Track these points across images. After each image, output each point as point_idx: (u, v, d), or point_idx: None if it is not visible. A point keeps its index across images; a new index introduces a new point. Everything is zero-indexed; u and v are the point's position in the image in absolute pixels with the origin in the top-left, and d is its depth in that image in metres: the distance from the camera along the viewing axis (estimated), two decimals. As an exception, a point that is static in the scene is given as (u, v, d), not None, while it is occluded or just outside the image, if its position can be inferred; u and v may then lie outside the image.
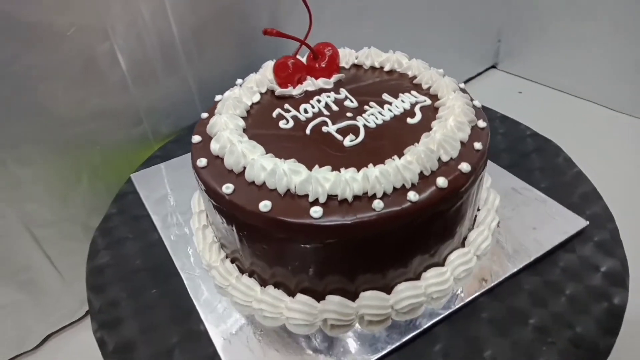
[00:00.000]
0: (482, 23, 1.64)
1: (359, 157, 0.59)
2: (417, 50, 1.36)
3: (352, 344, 0.60)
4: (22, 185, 0.84)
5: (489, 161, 0.83)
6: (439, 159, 0.58)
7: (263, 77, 0.75)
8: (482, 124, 0.64)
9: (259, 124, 0.68)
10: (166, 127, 0.96)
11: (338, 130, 0.64)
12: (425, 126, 0.63)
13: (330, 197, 0.54)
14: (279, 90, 0.73)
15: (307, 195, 0.55)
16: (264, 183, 0.57)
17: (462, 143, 0.61)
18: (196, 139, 0.66)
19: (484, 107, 0.98)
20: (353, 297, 0.60)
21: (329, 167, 0.57)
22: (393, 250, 0.58)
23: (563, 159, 0.86)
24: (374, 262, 0.59)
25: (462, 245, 0.67)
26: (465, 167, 0.57)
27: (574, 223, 0.72)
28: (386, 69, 0.77)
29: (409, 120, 0.65)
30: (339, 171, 0.56)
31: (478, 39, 1.68)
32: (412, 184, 0.55)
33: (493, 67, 1.84)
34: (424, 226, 0.57)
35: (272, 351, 0.60)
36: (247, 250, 0.61)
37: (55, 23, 0.77)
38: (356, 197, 0.54)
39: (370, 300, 0.60)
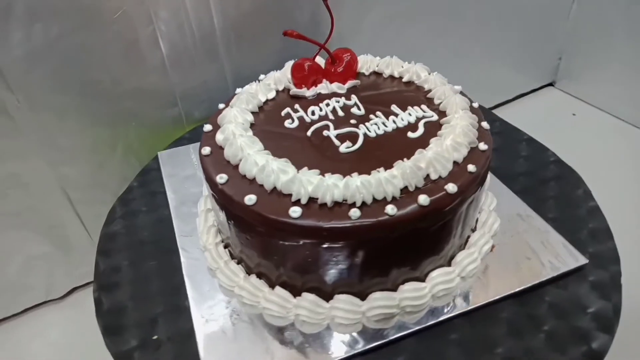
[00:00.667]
0: (543, 38, 1.58)
1: (350, 164, 0.61)
2: (473, 59, 1.34)
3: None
4: (63, 151, 0.93)
5: (501, 183, 0.83)
6: (427, 177, 0.59)
7: (283, 76, 0.78)
8: (483, 146, 0.64)
9: (268, 120, 0.71)
10: (199, 111, 1.01)
11: (338, 136, 0.66)
12: (424, 141, 0.63)
13: (313, 200, 0.57)
14: (293, 90, 0.75)
15: (290, 195, 0.57)
16: (255, 178, 0.60)
17: (455, 163, 0.61)
18: (207, 127, 0.70)
19: (515, 128, 0.98)
20: (328, 297, 0.62)
21: (317, 171, 0.59)
22: (369, 259, 0.59)
23: (583, 192, 0.82)
24: (350, 268, 0.59)
25: (449, 264, 0.67)
26: (451, 187, 0.57)
27: (572, 259, 0.70)
28: (404, 79, 0.78)
29: (410, 134, 0.65)
30: (324, 176, 0.58)
31: (538, 54, 1.61)
32: (393, 198, 0.56)
33: (550, 84, 1.76)
34: (402, 240, 0.58)
35: (243, 335, 0.63)
36: (234, 238, 0.64)
37: (105, 6, 0.84)
38: (337, 203, 0.56)
39: (344, 304, 0.61)
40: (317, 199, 0.57)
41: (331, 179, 0.57)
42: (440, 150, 0.60)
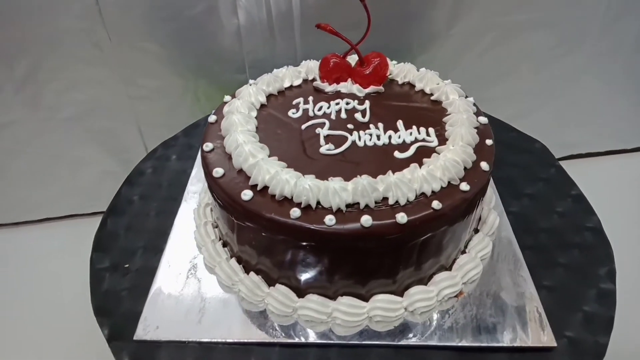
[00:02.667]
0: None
1: (321, 166, 0.62)
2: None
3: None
4: (141, 88, 1.07)
5: (512, 233, 0.76)
6: (384, 199, 0.58)
7: (316, 66, 0.80)
8: (464, 186, 0.60)
9: (278, 105, 0.75)
10: None
11: (327, 136, 0.67)
12: (404, 165, 0.61)
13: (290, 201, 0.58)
14: (316, 82, 0.77)
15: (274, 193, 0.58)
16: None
17: (420, 195, 0.58)
18: (212, 118, 0.73)
19: (567, 179, 0.87)
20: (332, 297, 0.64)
21: (290, 169, 0.60)
22: (337, 264, 0.60)
23: (607, 271, 0.71)
24: (342, 270, 0.61)
25: (427, 281, 0.66)
26: (400, 217, 0.55)
27: (539, 337, 0.63)
28: (433, 97, 0.75)
29: (397, 154, 0.64)
30: (302, 174, 0.59)
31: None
32: (367, 206, 0.56)
33: None
34: (374, 252, 0.58)
35: (190, 289, 0.68)
36: (231, 234, 0.67)
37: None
38: (309, 207, 0.57)
39: (346, 307, 0.62)
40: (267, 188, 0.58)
41: (307, 180, 0.57)
42: (408, 178, 0.58)
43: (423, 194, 0.58)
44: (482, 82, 1.17)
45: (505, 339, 0.62)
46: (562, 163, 0.91)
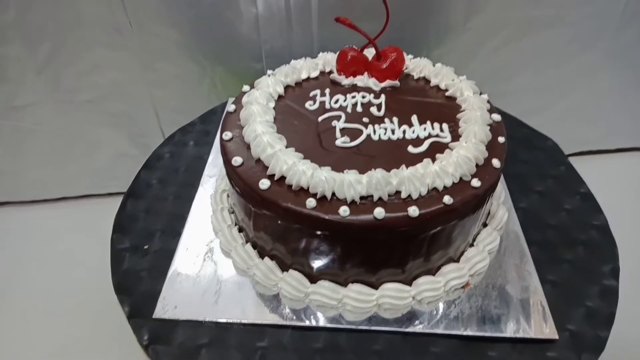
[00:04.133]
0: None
1: (338, 158, 0.65)
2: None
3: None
4: (159, 73, 1.09)
5: (519, 227, 0.79)
6: (397, 192, 0.60)
7: (333, 59, 0.82)
8: (476, 182, 0.62)
9: (295, 96, 0.77)
10: None
11: (343, 129, 0.69)
12: (418, 160, 0.64)
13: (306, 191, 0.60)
14: (333, 75, 0.80)
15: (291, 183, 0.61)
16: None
17: (432, 190, 0.61)
18: (231, 107, 0.76)
19: (577, 179, 0.89)
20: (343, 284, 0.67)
21: (307, 161, 0.63)
22: (357, 253, 0.63)
23: (610, 269, 0.74)
24: (354, 259, 0.64)
25: (435, 272, 0.69)
26: (412, 211, 0.58)
27: (542, 328, 0.66)
28: (448, 93, 0.77)
29: (410, 149, 0.66)
30: (315, 163, 0.62)
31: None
32: (380, 199, 0.59)
33: None
34: (384, 242, 0.62)
35: (206, 271, 0.72)
36: (247, 220, 0.70)
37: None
38: (324, 198, 0.59)
39: (356, 294, 0.66)
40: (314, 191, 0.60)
41: (324, 172, 0.60)
42: (421, 173, 0.61)
43: (435, 188, 0.61)
44: (497, 76, 1.19)
45: (509, 330, 0.65)
46: (574, 159, 0.93)
